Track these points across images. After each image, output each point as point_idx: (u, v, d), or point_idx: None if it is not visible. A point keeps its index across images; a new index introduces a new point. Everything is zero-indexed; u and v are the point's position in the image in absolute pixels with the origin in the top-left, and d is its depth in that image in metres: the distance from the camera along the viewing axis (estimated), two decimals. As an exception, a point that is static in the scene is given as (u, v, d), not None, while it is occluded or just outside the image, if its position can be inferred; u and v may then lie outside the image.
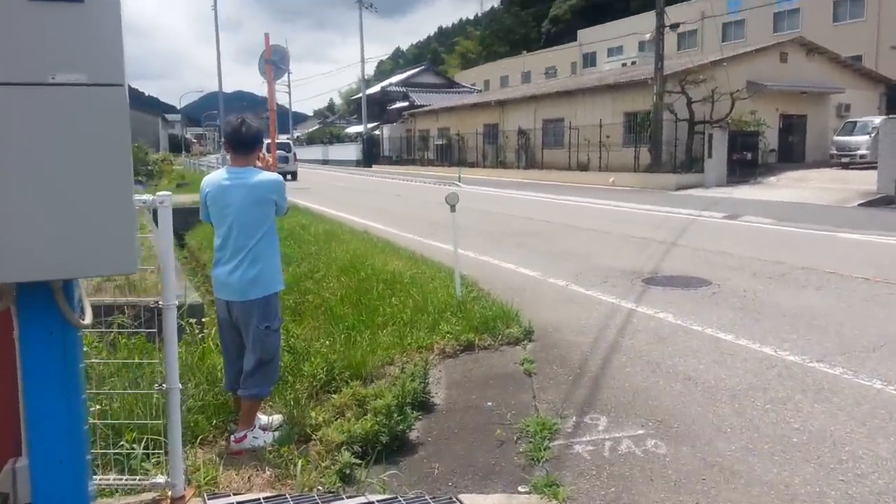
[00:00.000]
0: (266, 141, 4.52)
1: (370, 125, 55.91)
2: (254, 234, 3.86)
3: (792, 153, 29.09)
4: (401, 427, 3.82)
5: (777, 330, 5.74)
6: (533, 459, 3.51)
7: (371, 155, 52.93)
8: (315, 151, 71.11)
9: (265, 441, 3.92)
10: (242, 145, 3.89)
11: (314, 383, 4.71)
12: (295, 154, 36.36)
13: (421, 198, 21.20)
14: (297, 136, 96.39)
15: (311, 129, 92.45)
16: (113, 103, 2.06)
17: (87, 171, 2.04)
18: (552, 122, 33.91)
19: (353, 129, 65.82)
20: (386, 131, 54.28)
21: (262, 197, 3.86)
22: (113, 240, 2.08)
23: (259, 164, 4.06)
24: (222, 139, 4.05)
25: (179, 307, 5.84)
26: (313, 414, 4.18)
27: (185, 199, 20.10)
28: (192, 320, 5.34)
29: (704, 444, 3.66)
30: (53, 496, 2.17)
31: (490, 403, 4.38)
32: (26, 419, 2.15)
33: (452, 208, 6.44)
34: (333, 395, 4.58)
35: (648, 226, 13.00)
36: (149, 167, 34.67)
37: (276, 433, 4.01)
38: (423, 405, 4.40)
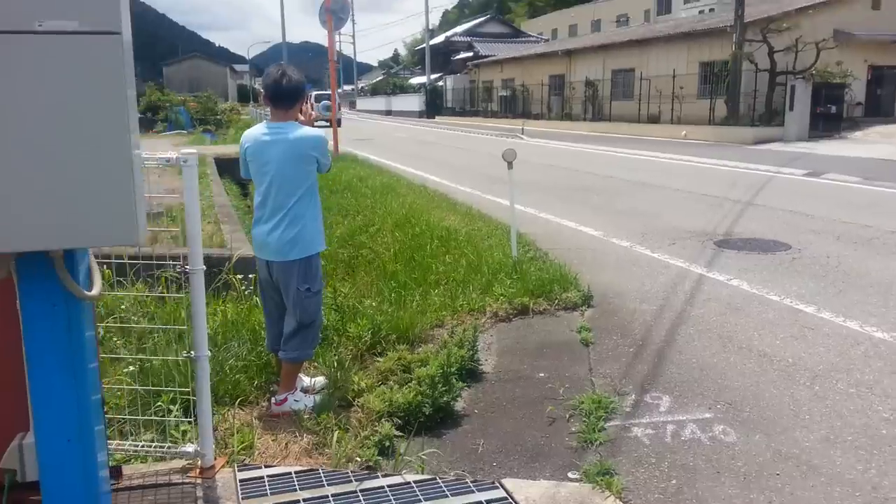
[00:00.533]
0: (314, 92, 4.27)
1: (434, 76, 55.16)
2: (294, 193, 3.63)
3: (880, 107, 27.11)
4: (445, 399, 3.58)
5: (864, 302, 5.23)
6: (586, 442, 3.22)
7: (434, 106, 52.33)
8: (378, 102, 70.93)
9: (305, 405, 3.76)
10: (282, 99, 3.63)
11: (359, 345, 4.52)
12: (339, 104, 38.99)
13: (482, 150, 20.74)
14: (362, 87, 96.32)
15: (375, 80, 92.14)
16: (109, 53, 1.81)
17: (81, 131, 1.80)
18: (622, 73, 32.59)
19: (417, 80, 65.15)
20: (449, 82, 53.47)
21: (303, 153, 3.61)
22: (111, 206, 1.85)
23: (301, 118, 3.81)
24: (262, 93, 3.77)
25: (227, 260, 5.75)
26: (356, 378, 3.99)
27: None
28: (240, 276, 5.21)
29: (779, 433, 3.29)
30: (61, 474, 2.02)
31: (542, 374, 4.10)
32: (31, 394, 1.99)
33: (510, 165, 6.08)
34: (378, 359, 4.39)
35: (723, 183, 12.28)
36: (218, 116, 35.11)
37: (318, 396, 3.85)
38: (472, 373, 4.16)
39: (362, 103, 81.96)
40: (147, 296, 4.54)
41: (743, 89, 24.50)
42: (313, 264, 3.75)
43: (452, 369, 3.84)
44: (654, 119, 28.58)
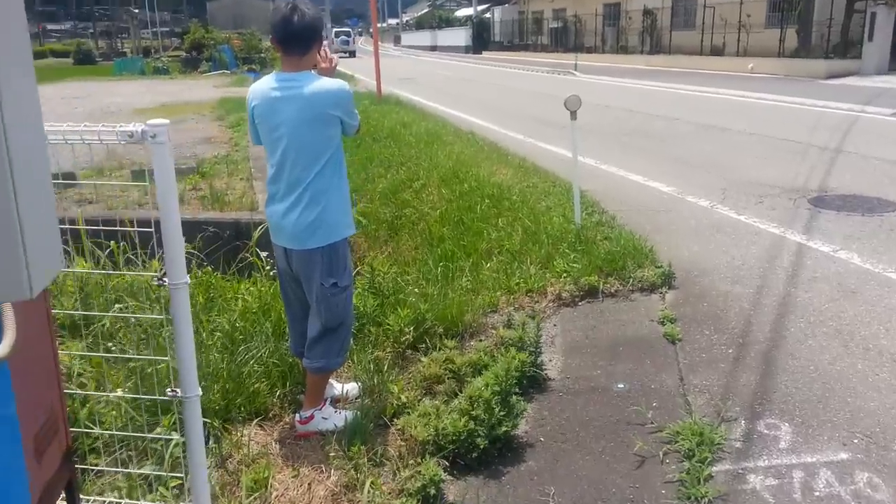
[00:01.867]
0: (343, 31, 3.46)
1: (480, 7, 52.94)
2: (313, 164, 2.89)
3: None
4: (504, 428, 2.87)
5: None
6: (689, 499, 2.49)
7: (481, 40, 50.38)
8: (423, 37, 68.87)
9: (335, 424, 3.12)
10: (295, 41, 2.86)
11: (400, 342, 3.83)
12: (355, 38, 48.71)
13: (532, 90, 19.54)
14: (407, 21, 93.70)
15: (420, 13, 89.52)
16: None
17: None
18: (682, 1, 30.39)
19: (463, 13, 62.78)
20: (497, 14, 51.24)
21: (322, 113, 2.85)
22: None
23: (322, 65, 3.03)
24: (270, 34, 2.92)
25: (257, 225, 5.08)
26: (395, 389, 3.32)
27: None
28: (265, 254, 4.55)
29: (949, 488, 2.50)
30: None
31: (622, 385, 3.36)
32: None
33: (573, 115, 5.18)
34: (422, 359, 3.70)
35: (801, 125, 11.04)
36: (262, 55, 34.34)
37: (349, 414, 3.18)
38: (534, 381, 3.44)
39: (406, 38, 79.83)
40: (121, 316, 3.92)
41: (816, 17, 22.51)
42: (340, 253, 3.03)
43: (512, 382, 3.12)
44: (717, 51, 26.66)
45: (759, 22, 25.21)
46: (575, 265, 4.73)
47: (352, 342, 3.34)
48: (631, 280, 4.53)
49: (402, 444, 2.97)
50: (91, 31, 70.58)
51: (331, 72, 3.06)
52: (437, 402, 3.17)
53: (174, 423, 2.91)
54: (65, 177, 7.76)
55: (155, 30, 60.87)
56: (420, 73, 27.87)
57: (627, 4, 34.26)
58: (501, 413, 2.90)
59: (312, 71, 2.96)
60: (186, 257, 4.41)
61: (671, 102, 15.06)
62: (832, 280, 4.44)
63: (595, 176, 7.59)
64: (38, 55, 55.27)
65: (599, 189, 6.88)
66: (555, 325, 4.13)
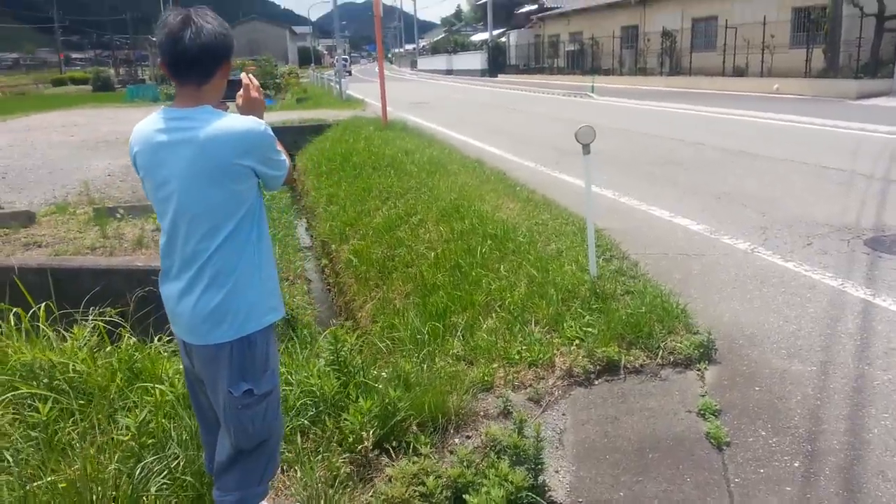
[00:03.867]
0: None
1: (496, 32, 52.58)
2: (215, 233, 2.06)
3: None
4: None
5: None
6: None
7: (496, 64, 49.89)
8: (439, 61, 68.71)
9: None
10: (186, 66, 2.02)
11: (361, 443, 2.95)
12: (349, 59, 55.48)
13: (547, 113, 18.74)
14: (423, 46, 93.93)
15: (437, 38, 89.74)
16: None
17: None
18: (703, 21, 29.61)
19: (479, 37, 62.48)
20: (513, 38, 50.78)
21: (224, 164, 2.01)
22: None
23: (251, 94, 2.22)
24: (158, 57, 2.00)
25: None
26: (344, 525, 2.44)
27: (296, 116, 18.93)
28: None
29: None
30: None
31: (653, 521, 2.46)
32: None
33: (586, 149, 4.32)
34: (388, 470, 2.82)
35: (841, 150, 10.09)
36: (277, 80, 34.08)
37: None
38: (534, 508, 2.55)
39: (423, 63, 79.78)
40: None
41: (844, 37, 21.56)
42: (258, 349, 2.17)
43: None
44: (739, 72, 25.77)
45: (783, 42, 24.34)
46: (590, 329, 3.85)
47: (279, 461, 2.46)
48: (660, 351, 3.63)
49: None
50: (111, 58, 71.44)
51: (257, 106, 2.23)
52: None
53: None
54: (21, 216, 7.06)
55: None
56: (433, 97, 27.18)
57: (646, 27, 33.53)
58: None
59: (228, 106, 2.14)
60: (110, 323, 3.60)
61: (694, 126, 14.15)
62: (916, 353, 3.51)
63: (614, 211, 6.71)
64: (58, 83, 55.73)
65: (618, 227, 6.00)
66: (563, 416, 3.24)
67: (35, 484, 2.47)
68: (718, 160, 9.76)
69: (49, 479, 2.49)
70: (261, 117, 2.18)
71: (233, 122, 2.02)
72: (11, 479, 2.51)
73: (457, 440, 3.08)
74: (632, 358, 3.61)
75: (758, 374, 3.39)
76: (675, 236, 5.80)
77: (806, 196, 7.12)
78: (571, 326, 3.95)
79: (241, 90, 2.22)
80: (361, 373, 3.39)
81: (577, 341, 3.80)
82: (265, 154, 2.07)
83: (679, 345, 3.65)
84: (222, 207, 2.05)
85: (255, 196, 2.13)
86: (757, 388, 3.26)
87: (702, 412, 3.11)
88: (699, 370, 3.50)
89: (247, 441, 2.20)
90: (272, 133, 2.09)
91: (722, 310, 4.16)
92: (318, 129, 16.37)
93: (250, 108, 2.21)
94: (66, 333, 3.62)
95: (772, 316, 4.04)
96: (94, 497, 2.40)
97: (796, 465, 2.67)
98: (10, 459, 2.65)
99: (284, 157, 2.18)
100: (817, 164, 9.00)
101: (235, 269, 2.09)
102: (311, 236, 9.86)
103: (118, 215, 7.06)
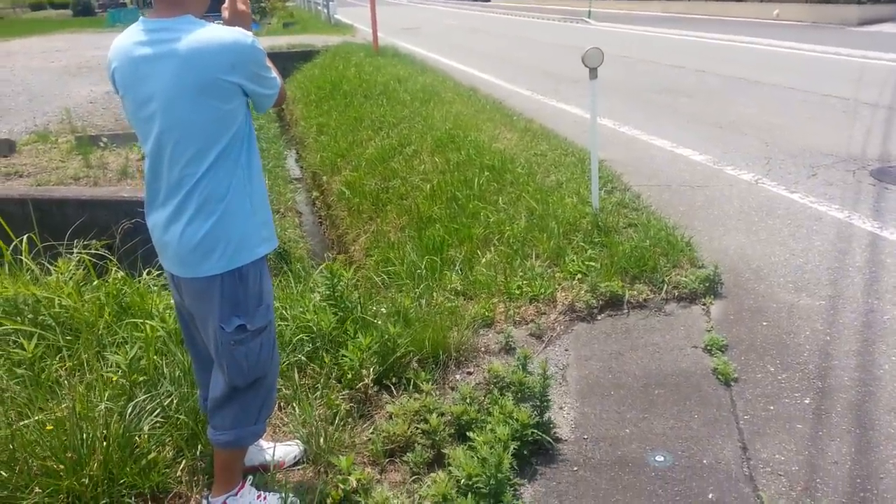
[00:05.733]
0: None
1: (489, -47, 50.60)
2: (202, 156, 1.90)
3: None
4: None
5: None
6: None
7: (490, -12, 48.26)
8: (430, -16, 66.40)
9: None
10: None
11: (362, 380, 2.86)
12: None
13: (542, 39, 18.18)
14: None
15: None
16: None
17: None
18: (703, -57, 28.51)
19: (471, -41, 60.18)
20: (506, -40, 48.92)
21: (211, 79, 1.83)
22: None
23: (238, 6, 2.03)
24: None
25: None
26: (343, 464, 2.37)
27: (283, 41, 18.29)
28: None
29: None
30: None
31: (661, 458, 2.40)
32: None
33: (593, 73, 4.10)
34: (388, 406, 2.75)
35: (844, 78, 9.83)
36: (261, 4, 32.89)
37: (277, 499, 2.25)
38: (538, 447, 2.49)
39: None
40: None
41: (848, -44, 20.84)
42: (250, 282, 2.04)
43: (506, 469, 2.15)
44: (739, -4, 24.98)
45: (785, -35, 23.53)
46: (592, 264, 3.75)
47: (275, 399, 2.35)
48: (665, 286, 3.55)
49: (346, 560, 2.04)
50: (90, -19, 68.53)
51: (244, 18, 2.04)
52: (398, 496, 2.21)
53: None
54: (1, 145, 6.79)
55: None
56: (424, 22, 26.29)
57: (644, -53, 32.31)
58: (488, 524, 1.96)
59: (213, 21, 1.94)
60: (96, 256, 3.46)
61: (695, 53, 13.76)
62: (926, 287, 3.43)
63: (614, 142, 6.52)
64: (37, 7, 53.61)
65: (620, 158, 5.83)
66: (566, 351, 3.17)
67: (22, 423, 2.38)
68: (720, 88, 9.50)
69: (37, 417, 2.40)
70: (249, 27, 2.00)
71: (218, 32, 1.83)
72: (-3, 418, 2.41)
73: (458, 377, 3.01)
74: (635, 293, 3.52)
75: (765, 308, 3.31)
76: (678, 167, 5.64)
77: (810, 125, 6.94)
78: (573, 261, 3.85)
79: (227, 2, 2.03)
80: (359, 308, 3.29)
81: (579, 276, 3.71)
82: (253, 69, 1.89)
83: (684, 279, 3.56)
84: (209, 128, 1.88)
85: (244, 117, 1.96)
86: (764, 323, 3.18)
87: (708, 348, 3.04)
88: (705, 305, 3.42)
89: (241, 378, 2.10)
90: (261, 47, 1.91)
91: (727, 243, 4.06)
92: (306, 55, 15.83)
93: (237, 20, 2.02)
94: (50, 267, 3.48)
95: (778, 249, 3.95)
96: (85, 436, 2.31)
97: (807, 401, 2.62)
98: (-4, 397, 2.56)
99: (275, 74, 2.00)
100: (820, 92, 8.77)
101: (225, 196, 1.94)
102: (301, 168, 9.62)
103: (101, 144, 6.80)
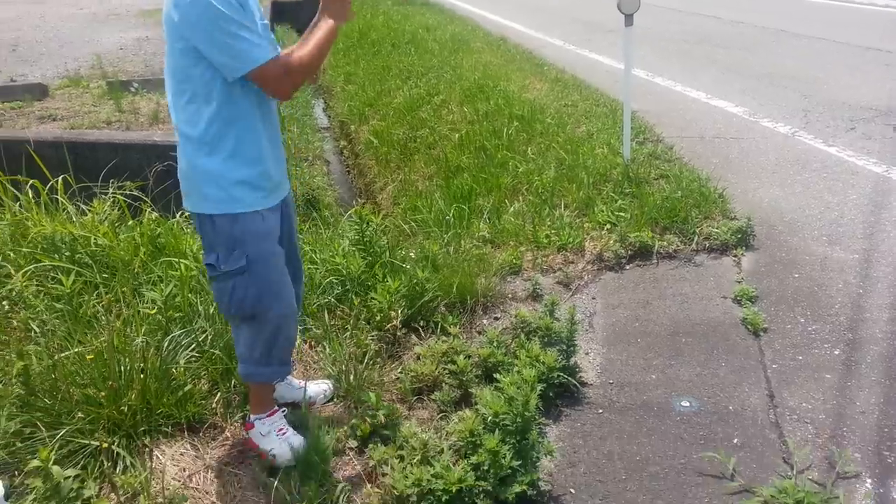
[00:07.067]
0: None
1: None
2: (179, 94, 1.97)
3: None
4: (516, 488, 1.97)
5: None
6: None
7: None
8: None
9: (274, 455, 2.25)
10: None
11: (390, 322, 2.91)
12: None
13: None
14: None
15: None
16: None
17: None
18: None
19: None
20: None
21: (175, 35, 1.89)
22: None
23: None
24: None
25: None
26: (372, 399, 2.42)
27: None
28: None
29: None
30: None
31: (686, 404, 2.42)
32: None
33: (628, 19, 4.00)
34: (416, 348, 2.80)
35: (883, 30, 9.45)
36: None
37: (298, 442, 2.28)
38: (564, 390, 2.53)
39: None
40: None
41: None
42: (222, 230, 2.04)
43: (533, 409, 2.18)
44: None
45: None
46: (622, 214, 3.73)
47: (291, 339, 2.36)
48: (696, 237, 3.52)
49: (375, 491, 2.11)
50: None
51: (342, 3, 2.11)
52: (426, 431, 2.26)
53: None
54: (34, 89, 6.85)
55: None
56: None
57: None
58: (516, 462, 2.00)
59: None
60: (130, 197, 3.52)
61: (732, 3, 13.32)
62: (965, 242, 3.36)
63: (646, 92, 6.39)
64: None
65: (652, 109, 5.73)
66: (593, 299, 3.17)
67: (63, 354, 2.47)
68: (757, 39, 9.21)
69: (76, 349, 2.48)
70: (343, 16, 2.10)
71: None
72: (39, 348, 2.50)
73: (485, 321, 3.04)
74: (665, 243, 3.50)
75: (797, 260, 3.28)
76: (713, 119, 5.53)
77: (848, 78, 6.72)
78: (603, 211, 3.83)
79: None
80: (388, 253, 3.32)
81: (608, 226, 3.69)
82: (207, 33, 1.82)
83: (716, 230, 3.53)
84: (179, 70, 1.96)
85: (210, 81, 1.91)
86: (796, 275, 3.15)
87: (738, 298, 3.02)
88: (736, 256, 3.39)
89: (224, 310, 2.23)
90: (226, 9, 1.81)
91: (761, 195, 3.99)
92: (333, 3, 15.61)
93: (333, 4, 2.09)
94: (85, 207, 3.55)
95: (813, 202, 3.88)
96: (122, 368, 2.39)
97: (836, 352, 2.61)
98: (37, 329, 2.64)
99: (250, 45, 1.86)
100: (859, 44, 8.46)
101: (189, 140, 1.99)
102: (329, 116, 9.60)
103: (132, 89, 6.84)
